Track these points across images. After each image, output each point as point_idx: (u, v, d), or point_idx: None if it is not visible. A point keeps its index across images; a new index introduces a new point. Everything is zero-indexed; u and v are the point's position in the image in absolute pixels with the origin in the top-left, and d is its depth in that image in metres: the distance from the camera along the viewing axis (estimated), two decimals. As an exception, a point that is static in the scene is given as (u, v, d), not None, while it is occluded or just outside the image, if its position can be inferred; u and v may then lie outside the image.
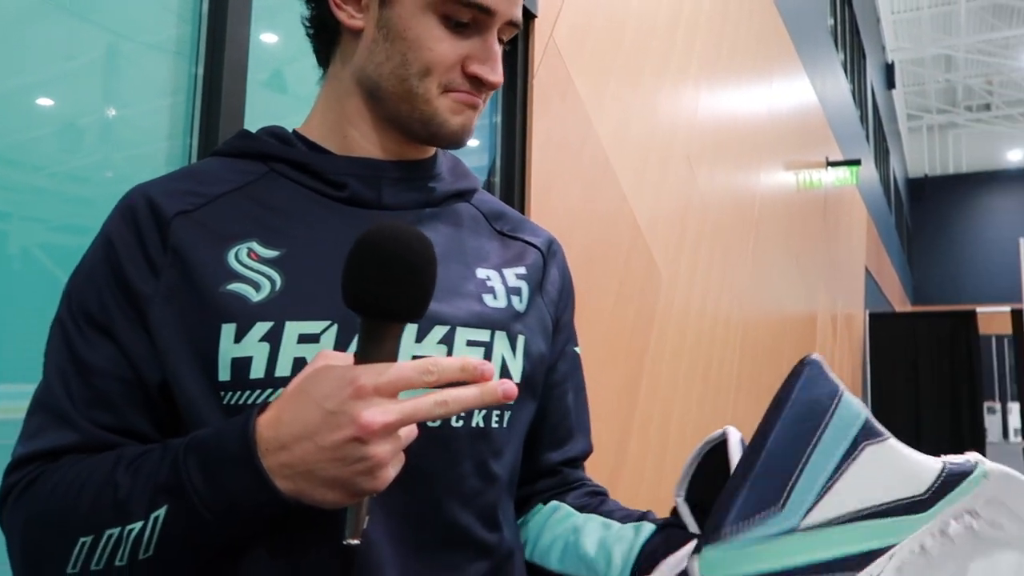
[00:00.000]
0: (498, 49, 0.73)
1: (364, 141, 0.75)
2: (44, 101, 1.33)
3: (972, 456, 0.59)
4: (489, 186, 2.27)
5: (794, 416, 0.53)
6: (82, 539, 0.60)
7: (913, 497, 0.55)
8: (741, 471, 0.52)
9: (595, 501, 0.80)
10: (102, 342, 0.67)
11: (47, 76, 1.32)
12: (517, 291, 0.78)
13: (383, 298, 0.55)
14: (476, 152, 2.35)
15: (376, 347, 0.57)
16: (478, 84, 0.72)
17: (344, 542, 0.58)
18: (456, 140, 0.74)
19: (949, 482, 0.56)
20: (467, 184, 0.83)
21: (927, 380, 9.73)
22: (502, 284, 0.77)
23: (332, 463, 0.55)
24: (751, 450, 0.53)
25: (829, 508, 0.52)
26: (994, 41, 17.68)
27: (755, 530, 0.50)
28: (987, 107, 20.95)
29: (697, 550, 0.51)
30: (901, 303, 16.41)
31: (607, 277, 2.70)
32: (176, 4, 1.39)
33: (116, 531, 0.60)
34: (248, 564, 0.63)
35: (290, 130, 0.79)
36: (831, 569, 0.51)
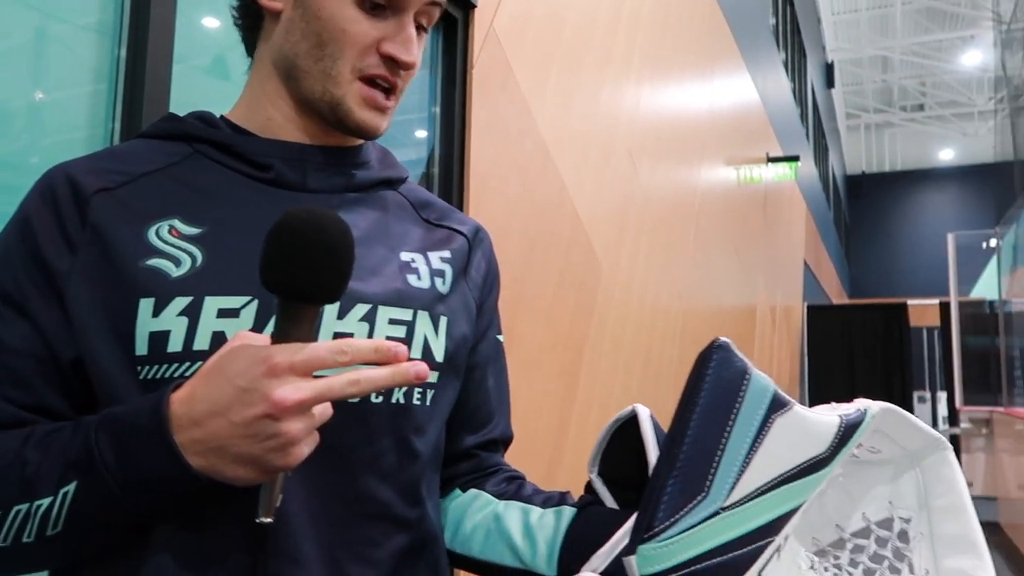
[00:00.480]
0: (414, 32, 0.74)
1: (287, 123, 0.76)
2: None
3: (862, 403, 0.63)
4: (428, 177, 2.28)
5: (709, 402, 0.55)
6: None
7: (817, 456, 0.58)
8: (665, 465, 0.54)
9: (513, 487, 0.82)
10: (17, 320, 0.66)
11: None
12: (441, 273, 0.79)
13: (300, 281, 0.56)
14: (417, 144, 2.35)
15: (293, 328, 0.58)
16: (393, 65, 0.73)
17: (257, 520, 0.58)
18: (362, 130, 0.74)
19: (846, 434, 0.60)
20: (395, 173, 0.84)
21: (862, 370, 10.06)
22: (426, 266, 0.79)
23: (244, 440, 0.56)
24: (672, 441, 0.55)
25: (748, 484, 0.55)
26: (928, 44, 18.28)
27: (684, 520, 0.52)
28: (921, 107, 21.66)
29: (631, 550, 0.52)
30: (839, 296, 16.88)
31: (547, 267, 2.73)
32: (101, -16, 1.36)
33: (24, 507, 0.59)
34: (160, 542, 0.64)
35: (218, 115, 0.79)
36: (753, 540, 0.54)
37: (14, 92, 1.34)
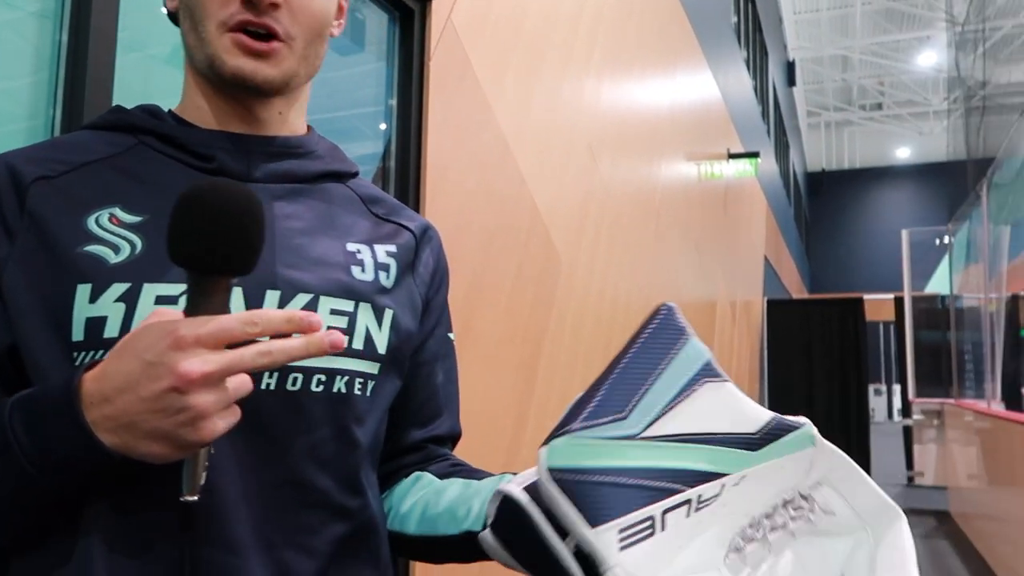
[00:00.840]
0: None
1: (216, 111, 0.76)
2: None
3: (800, 419, 0.66)
4: (384, 170, 2.27)
5: (646, 346, 0.59)
6: None
7: (746, 434, 0.61)
8: (595, 385, 0.57)
9: (457, 469, 0.82)
10: None
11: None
12: (385, 267, 0.80)
13: (205, 252, 0.56)
14: (373, 137, 2.34)
15: (204, 301, 0.57)
16: (252, 7, 0.71)
17: (181, 499, 0.58)
18: (239, 78, 0.72)
19: (778, 430, 0.62)
20: (343, 167, 0.84)
21: (819, 363, 10.26)
22: (372, 258, 0.79)
23: (153, 415, 0.56)
24: (606, 370, 0.58)
25: (667, 426, 0.58)
26: (886, 44, 18.66)
27: (599, 431, 0.55)
28: (879, 106, 22.11)
29: (546, 442, 0.55)
30: (799, 291, 17.18)
31: (505, 260, 2.74)
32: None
33: None
34: (89, 525, 0.64)
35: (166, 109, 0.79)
36: (665, 477, 0.56)
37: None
